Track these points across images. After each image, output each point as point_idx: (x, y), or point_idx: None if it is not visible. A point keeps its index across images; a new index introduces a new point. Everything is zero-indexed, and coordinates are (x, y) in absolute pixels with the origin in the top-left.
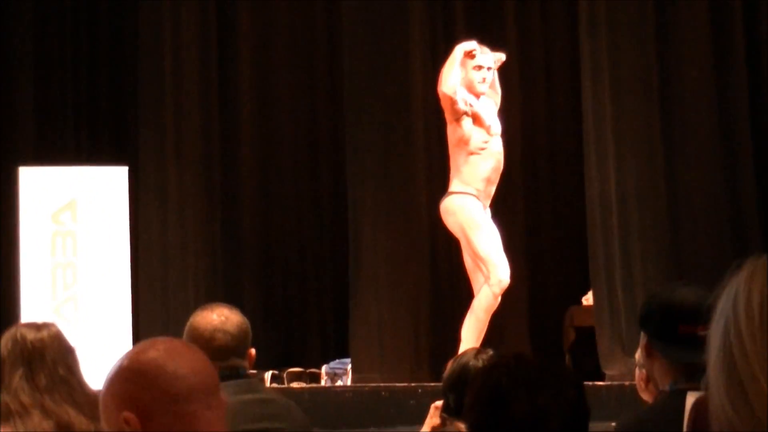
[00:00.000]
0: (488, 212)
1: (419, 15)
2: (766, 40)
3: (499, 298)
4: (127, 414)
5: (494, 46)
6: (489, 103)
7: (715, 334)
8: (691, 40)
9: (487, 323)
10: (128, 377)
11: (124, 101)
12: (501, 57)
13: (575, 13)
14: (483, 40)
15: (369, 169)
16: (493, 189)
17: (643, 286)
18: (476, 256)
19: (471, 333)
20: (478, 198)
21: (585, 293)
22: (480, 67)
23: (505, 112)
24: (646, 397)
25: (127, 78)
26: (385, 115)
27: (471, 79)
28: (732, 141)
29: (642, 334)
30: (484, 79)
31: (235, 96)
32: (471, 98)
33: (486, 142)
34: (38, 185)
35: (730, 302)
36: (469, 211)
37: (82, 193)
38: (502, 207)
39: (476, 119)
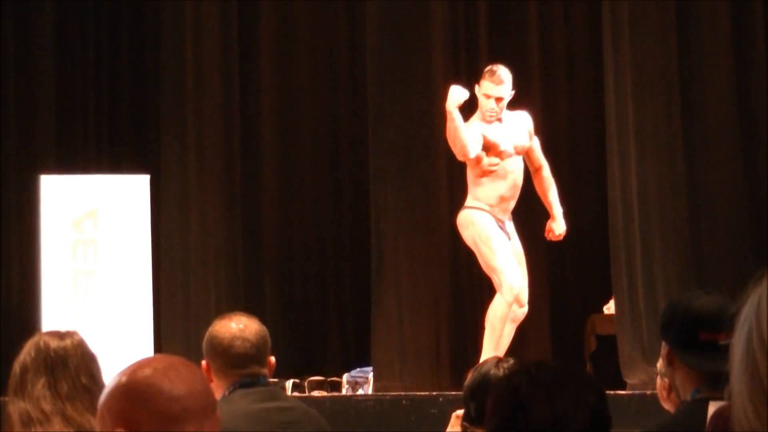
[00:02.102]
0: (511, 224)
1: (441, 17)
2: None
3: (525, 308)
4: (120, 430)
5: (517, 47)
6: (506, 123)
7: (738, 342)
8: (712, 42)
9: (503, 331)
10: (124, 395)
11: (145, 109)
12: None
13: (598, 15)
14: (505, 42)
15: (391, 172)
16: (511, 204)
17: (665, 293)
18: (488, 267)
19: (488, 342)
20: (490, 213)
21: (606, 301)
22: (489, 96)
23: None
24: (667, 406)
25: (149, 86)
26: (408, 116)
27: (481, 105)
28: (753, 143)
29: (663, 342)
30: (492, 110)
31: (256, 103)
32: (477, 140)
33: (496, 165)
34: (60, 193)
35: (753, 309)
36: (480, 224)
37: (103, 201)
38: (523, 213)
39: (488, 148)
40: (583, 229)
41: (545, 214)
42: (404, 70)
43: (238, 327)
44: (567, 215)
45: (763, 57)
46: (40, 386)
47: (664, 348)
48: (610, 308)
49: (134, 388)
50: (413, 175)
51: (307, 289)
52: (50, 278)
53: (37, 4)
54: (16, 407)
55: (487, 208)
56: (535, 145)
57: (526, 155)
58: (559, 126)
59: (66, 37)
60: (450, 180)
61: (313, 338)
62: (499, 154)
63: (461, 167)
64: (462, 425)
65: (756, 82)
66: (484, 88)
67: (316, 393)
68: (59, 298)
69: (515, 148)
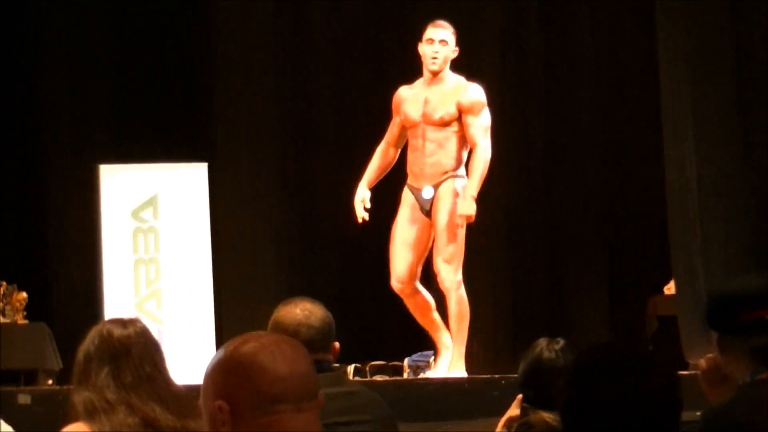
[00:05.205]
0: (431, 190)
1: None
2: None
3: (445, 278)
4: (220, 402)
5: (569, 39)
6: (434, 91)
7: None
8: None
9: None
10: (227, 369)
11: (200, 98)
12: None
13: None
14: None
15: None
16: (420, 172)
17: (725, 272)
18: None
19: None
20: (409, 185)
21: (667, 282)
22: (431, 41)
23: (577, 102)
24: (712, 397)
25: (204, 74)
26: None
27: (424, 55)
28: None
29: (712, 333)
30: (434, 53)
31: (310, 90)
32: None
33: (409, 135)
34: (118, 183)
35: None
36: (402, 204)
37: (163, 189)
38: (581, 196)
39: (402, 118)
40: (641, 210)
41: (604, 193)
42: None
43: (304, 314)
44: (626, 196)
45: None
46: (103, 375)
47: (713, 338)
48: (670, 289)
49: (237, 364)
50: None
51: (367, 273)
52: (111, 267)
53: None
54: (80, 396)
55: (408, 181)
56: (474, 122)
57: (465, 129)
58: (615, 111)
59: (121, 29)
60: None
61: (374, 321)
62: (405, 125)
63: None
64: (522, 406)
65: None
66: (425, 36)
67: (377, 377)
68: (120, 287)
69: (425, 117)
